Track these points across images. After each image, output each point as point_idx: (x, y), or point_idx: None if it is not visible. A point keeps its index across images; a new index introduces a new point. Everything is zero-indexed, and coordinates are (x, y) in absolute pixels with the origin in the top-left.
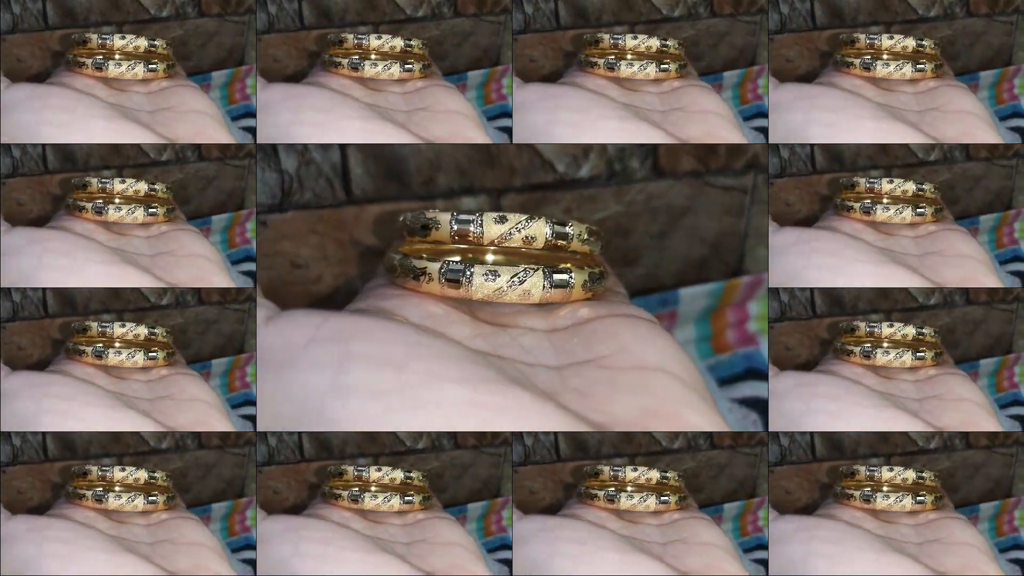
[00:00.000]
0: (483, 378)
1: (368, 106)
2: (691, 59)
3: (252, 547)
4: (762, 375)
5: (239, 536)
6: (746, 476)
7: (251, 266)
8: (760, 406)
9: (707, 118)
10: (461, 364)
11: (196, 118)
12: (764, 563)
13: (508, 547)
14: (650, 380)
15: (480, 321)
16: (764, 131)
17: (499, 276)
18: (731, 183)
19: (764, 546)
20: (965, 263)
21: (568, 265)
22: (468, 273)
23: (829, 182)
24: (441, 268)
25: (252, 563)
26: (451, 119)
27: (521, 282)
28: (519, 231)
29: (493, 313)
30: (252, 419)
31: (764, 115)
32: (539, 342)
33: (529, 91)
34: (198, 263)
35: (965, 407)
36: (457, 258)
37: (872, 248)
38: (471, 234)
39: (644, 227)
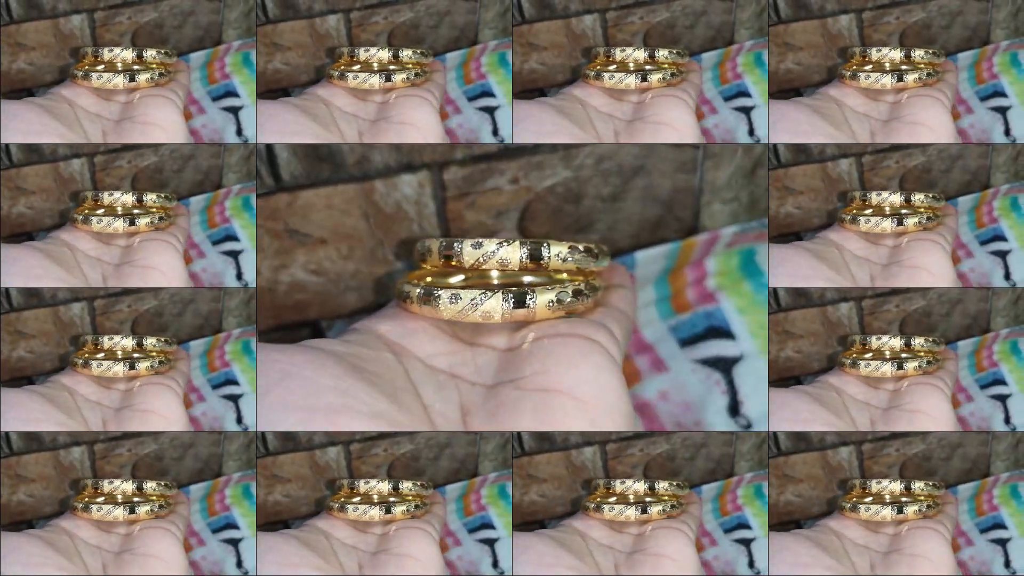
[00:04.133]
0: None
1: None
2: (668, 41)
3: (234, 526)
4: (723, 333)
5: (219, 516)
6: (723, 455)
7: (234, 245)
8: (722, 365)
9: (659, 129)
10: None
11: (154, 132)
12: (747, 543)
13: (490, 526)
14: (551, 403)
15: (456, 340)
16: (746, 111)
17: (460, 299)
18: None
19: (746, 525)
20: (916, 275)
21: (540, 286)
22: (435, 296)
23: (838, 196)
24: (418, 292)
25: (234, 542)
26: (402, 131)
27: (480, 304)
28: (492, 255)
29: (473, 331)
30: (234, 399)
31: (746, 94)
32: (491, 362)
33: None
34: (149, 275)
35: (923, 420)
36: (444, 283)
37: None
38: (454, 259)
39: (595, 190)
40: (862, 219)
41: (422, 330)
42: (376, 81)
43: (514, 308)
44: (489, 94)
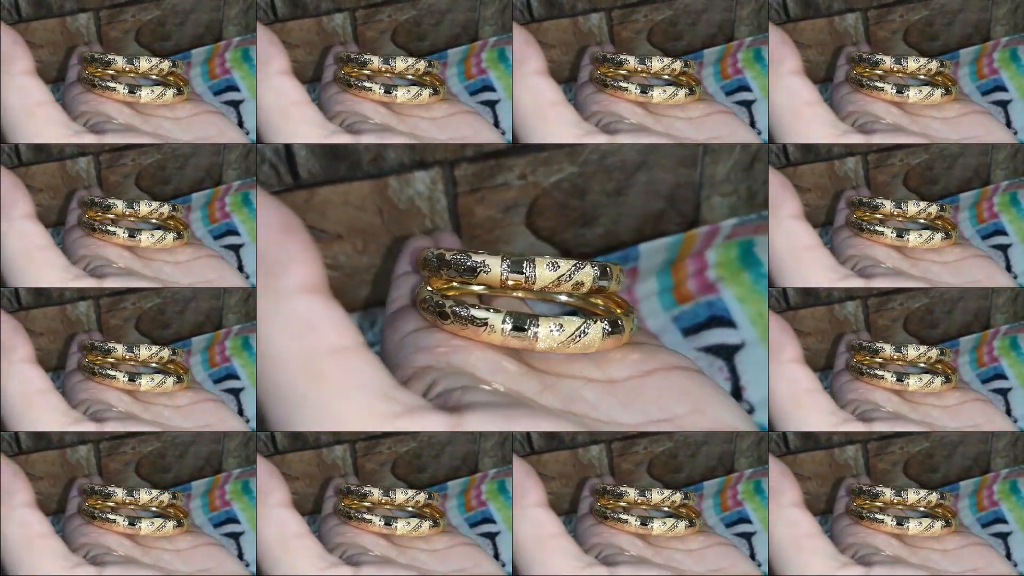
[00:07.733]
0: None
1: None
2: (671, 39)
3: (234, 520)
4: (725, 322)
5: (219, 511)
6: (724, 453)
7: (235, 239)
8: (724, 353)
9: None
10: None
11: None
12: (747, 536)
13: (491, 520)
14: None
15: (539, 371)
16: (746, 104)
17: (564, 329)
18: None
19: (746, 519)
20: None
21: (618, 312)
22: (534, 326)
23: (847, 200)
24: (504, 320)
25: (235, 536)
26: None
27: (584, 334)
28: (570, 278)
29: (544, 360)
30: (235, 392)
31: (746, 88)
32: (604, 396)
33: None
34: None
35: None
36: (520, 310)
37: None
38: (524, 280)
39: (600, 186)
40: (912, 235)
41: (508, 365)
42: (427, 95)
43: (611, 335)
44: (490, 88)
